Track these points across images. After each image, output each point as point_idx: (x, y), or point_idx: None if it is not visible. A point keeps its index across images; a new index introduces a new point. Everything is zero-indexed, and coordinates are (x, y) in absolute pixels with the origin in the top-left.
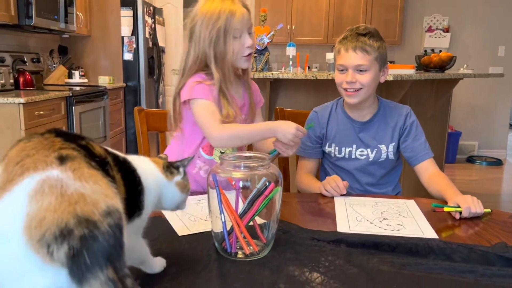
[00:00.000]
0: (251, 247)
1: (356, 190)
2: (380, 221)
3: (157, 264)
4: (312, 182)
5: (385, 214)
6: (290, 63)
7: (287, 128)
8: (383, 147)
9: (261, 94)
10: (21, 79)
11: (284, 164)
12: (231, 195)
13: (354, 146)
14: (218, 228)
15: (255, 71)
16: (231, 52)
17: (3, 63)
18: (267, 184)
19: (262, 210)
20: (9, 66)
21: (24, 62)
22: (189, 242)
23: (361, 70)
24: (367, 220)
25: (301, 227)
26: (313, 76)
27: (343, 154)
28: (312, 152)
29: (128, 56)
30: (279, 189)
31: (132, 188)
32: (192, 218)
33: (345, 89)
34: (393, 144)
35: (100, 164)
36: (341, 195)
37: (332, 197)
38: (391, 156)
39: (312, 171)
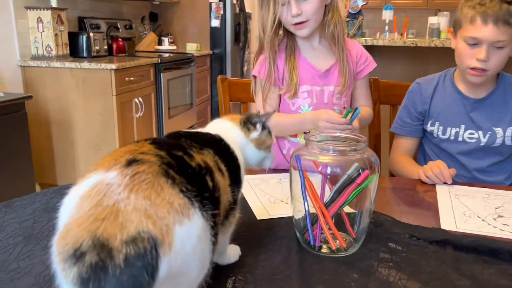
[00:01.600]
0: (338, 241)
1: (461, 177)
2: (495, 219)
3: (232, 253)
4: (409, 165)
5: (500, 211)
6: (386, 28)
7: (315, 120)
8: (499, 130)
9: (372, 60)
10: (114, 46)
11: (374, 141)
12: (316, 179)
13: (463, 127)
14: (300, 216)
15: (347, 36)
16: (274, 19)
17: (99, 30)
18: (360, 171)
19: (352, 200)
20: (104, 32)
21: (118, 28)
22: (268, 227)
23: (497, 47)
24: (478, 217)
25: (397, 220)
26: (413, 43)
27: (447, 135)
28: (410, 130)
29: (215, 23)
30: (375, 177)
31: (234, 172)
32: (272, 199)
33: (473, 68)
34: None
35: (191, 176)
36: (445, 183)
37: (434, 185)
38: (508, 141)
39: (409, 151)
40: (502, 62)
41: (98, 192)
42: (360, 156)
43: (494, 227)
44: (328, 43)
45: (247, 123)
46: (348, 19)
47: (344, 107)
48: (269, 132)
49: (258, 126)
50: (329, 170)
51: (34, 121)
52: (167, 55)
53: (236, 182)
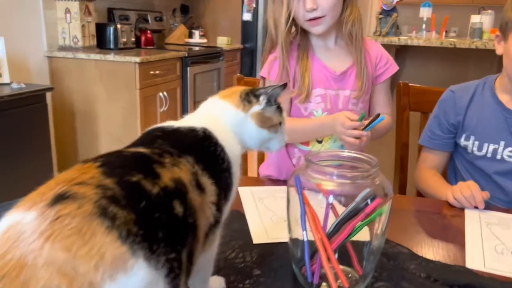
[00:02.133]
0: (341, 281)
1: (496, 200)
2: None
3: (215, 287)
4: (437, 183)
5: None
6: (423, 26)
7: (333, 124)
8: None
9: (393, 63)
10: (142, 38)
11: (401, 152)
12: (316, 199)
13: (503, 143)
14: (297, 246)
15: (379, 35)
16: (288, 14)
17: (127, 21)
18: (368, 201)
19: (358, 232)
20: (132, 24)
21: (147, 20)
22: (263, 254)
23: None
24: None
25: (414, 254)
26: (451, 44)
27: (484, 151)
28: (440, 143)
29: (247, 16)
30: (385, 209)
31: (223, 178)
32: (274, 218)
33: None
34: None
35: (147, 209)
36: (475, 207)
37: (463, 209)
38: None
39: (437, 167)
40: None
41: (7, 240)
42: (371, 182)
43: None
44: (345, 43)
45: (249, 95)
46: (381, 16)
47: (363, 113)
48: (278, 109)
49: (262, 99)
50: (331, 199)
51: (59, 112)
52: (197, 48)
53: (225, 187)
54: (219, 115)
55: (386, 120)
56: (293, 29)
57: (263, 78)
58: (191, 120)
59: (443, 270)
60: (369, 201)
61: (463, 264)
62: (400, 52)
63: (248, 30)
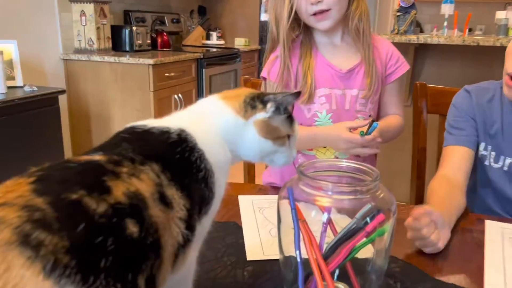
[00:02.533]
0: None
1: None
2: None
3: None
4: (433, 196)
5: None
6: (445, 24)
7: (334, 139)
8: None
9: (404, 61)
10: (159, 40)
11: (418, 157)
12: (310, 213)
13: None
14: (289, 266)
15: (396, 33)
16: (290, 9)
17: (143, 23)
18: (368, 220)
19: (356, 253)
20: (148, 26)
21: (164, 22)
22: (255, 273)
23: None
24: None
25: (426, 275)
26: (473, 42)
27: (500, 164)
28: (461, 138)
29: (265, 17)
30: (388, 228)
31: (198, 189)
32: (274, 231)
33: (510, 75)
34: None
35: (90, 231)
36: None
37: (483, 220)
38: None
39: (460, 169)
40: None
41: None
42: (372, 197)
43: None
44: (351, 39)
45: (255, 100)
46: (399, 13)
47: (370, 115)
48: (288, 120)
49: (270, 106)
50: (325, 218)
51: (75, 115)
52: (214, 50)
53: (200, 201)
54: (210, 116)
55: (398, 121)
56: (295, 29)
57: (264, 79)
58: (171, 119)
59: None
60: (368, 219)
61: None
62: (419, 51)
63: (266, 31)
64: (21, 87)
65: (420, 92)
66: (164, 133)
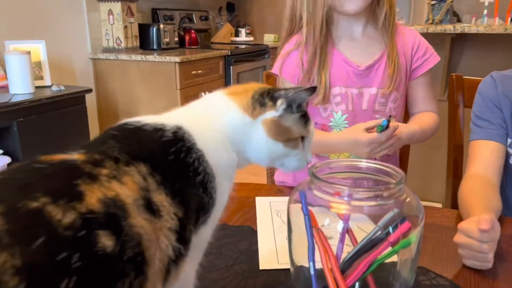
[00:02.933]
0: None
1: None
2: None
3: None
4: (470, 205)
5: None
6: (485, 12)
7: (354, 146)
8: None
9: (433, 53)
10: (186, 37)
11: (455, 154)
12: (324, 216)
13: None
14: (302, 279)
15: (431, 23)
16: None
17: (171, 21)
18: (390, 229)
19: (377, 266)
20: (176, 24)
21: (192, 20)
22: (269, 284)
23: None
24: None
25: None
26: None
27: None
28: (492, 132)
29: None
30: (414, 238)
31: (191, 193)
32: None
33: None
34: None
35: (48, 247)
36: None
37: None
38: None
39: (491, 166)
40: None
41: None
42: (395, 203)
43: None
44: (375, 30)
45: (264, 97)
46: (433, 1)
47: (390, 116)
48: (302, 119)
49: (280, 103)
50: (339, 226)
51: (103, 114)
52: (243, 46)
53: (198, 208)
54: (214, 114)
55: (430, 119)
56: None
57: (276, 76)
58: (170, 116)
59: None
60: (390, 229)
61: None
62: (456, 42)
63: None
64: (49, 86)
65: (456, 85)
66: (158, 131)
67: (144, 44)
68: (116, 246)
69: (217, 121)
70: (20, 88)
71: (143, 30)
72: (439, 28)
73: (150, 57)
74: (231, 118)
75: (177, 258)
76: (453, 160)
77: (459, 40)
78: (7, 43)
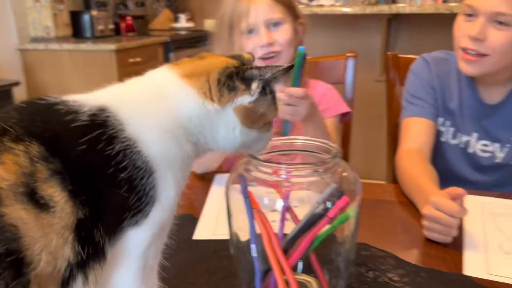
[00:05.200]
0: None
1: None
2: None
3: None
4: (419, 181)
5: None
6: None
7: None
8: None
9: (335, 99)
10: (122, 25)
11: (394, 133)
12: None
13: (475, 135)
14: (244, 264)
15: (368, 4)
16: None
17: (105, 8)
18: (328, 204)
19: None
20: (110, 11)
21: (127, 6)
22: (200, 256)
23: (500, 23)
24: None
25: (401, 260)
26: (447, 9)
27: (457, 141)
28: (425, 110)
29: None
30: (353, 212)
31: (109, 188)
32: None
33: (464, 49)
34: None
35: None
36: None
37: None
38: None
39: (425, 143)
40: (506, 46)
41: None
42: (332, 177)
43: None
44: None
45: (233, 79)
46: None
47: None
48: (274, 99)
49: (256, 86)
50: (279, 205)
51: None
52: (183, 33)
53: (121, 210)
54: (162, 97)
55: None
56: None
57: None
58: (98, 95)
59: (435, 280)
60: (330, 203)
61: (461, 271)
62: (393, 23)
63: None
64: None
65: (392, 63)
66: (71, 113)
67: (77, 33)
68: None
69: (166, 107)
70: None
71: (75, 17)
72: (375, 9)
73: (84, 46)
74: (187, 106)
75: (82, 262)
76: (392, 139)
77: (395, 21)
78: None
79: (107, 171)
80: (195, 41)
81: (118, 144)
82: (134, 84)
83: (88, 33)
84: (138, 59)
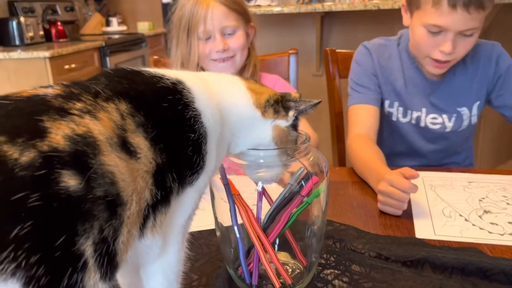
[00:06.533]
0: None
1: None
2: (480, 217)
3: None
4: (371, 163)
5: (486, 204)
6: None
7: None
8: (464, 110)
9: (285, 86)
10: (53, 31)
11: (336, 121)
12: (242, 181)
13: (424, 110)
14: (228, 242)
15: (302, 3)
16: (195, 55)
17: (33, 14)
18: (303, 182)
19: (294, 219)
20: (38, 17)
21: (56, 11)
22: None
23: (466, 35)
24: (460, 215)
25: (361, 231)
26: (374, 6)
27: (408, 118)
28: (370, 97)
29: None
30: (323, 188)
31: (180, 146)
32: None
33: (436, 60)
34: (478, 103)
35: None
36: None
37: None
38: (474, 120)
39: (372, 128)
40: (468, 49)
41: None
42: (303, 161)
43: (481, 228)
44: None
45: (278, 104)
46: None
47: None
48: (295, 128)
49: (292, 114)
50: (259, 186)
51: None
52: (116, 36)
53: (185, 166)
54: (225, 91)
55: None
56: None
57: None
58: (175, 71)
59: (393, 245)
60: (303, 182)
61: (414, 235)
62: (326, 20)
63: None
64: None
65: (331, 58)
66: (156, 77)
67: (4, 41)
68: (80, 184)
69: (226, 100)
70: None
71: (1, 25)
72: (309, 8)
73: (14, 54)
74: (242, 106)
75: (155, 204)
76: (336, 127)
77: (328, 18)
78: None
79: (181, 129)
80: (131, 44)
81: (190, 111)
82: (206, 75)
83: (16, 41)
84: (74, 65)
